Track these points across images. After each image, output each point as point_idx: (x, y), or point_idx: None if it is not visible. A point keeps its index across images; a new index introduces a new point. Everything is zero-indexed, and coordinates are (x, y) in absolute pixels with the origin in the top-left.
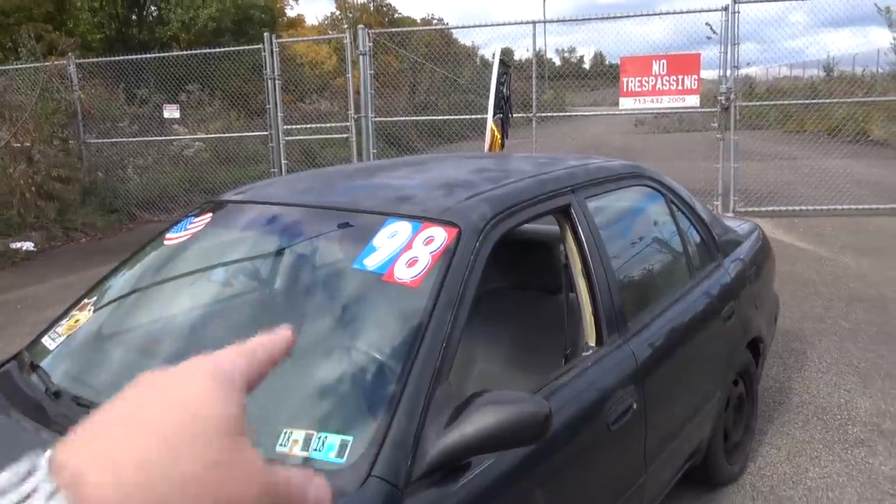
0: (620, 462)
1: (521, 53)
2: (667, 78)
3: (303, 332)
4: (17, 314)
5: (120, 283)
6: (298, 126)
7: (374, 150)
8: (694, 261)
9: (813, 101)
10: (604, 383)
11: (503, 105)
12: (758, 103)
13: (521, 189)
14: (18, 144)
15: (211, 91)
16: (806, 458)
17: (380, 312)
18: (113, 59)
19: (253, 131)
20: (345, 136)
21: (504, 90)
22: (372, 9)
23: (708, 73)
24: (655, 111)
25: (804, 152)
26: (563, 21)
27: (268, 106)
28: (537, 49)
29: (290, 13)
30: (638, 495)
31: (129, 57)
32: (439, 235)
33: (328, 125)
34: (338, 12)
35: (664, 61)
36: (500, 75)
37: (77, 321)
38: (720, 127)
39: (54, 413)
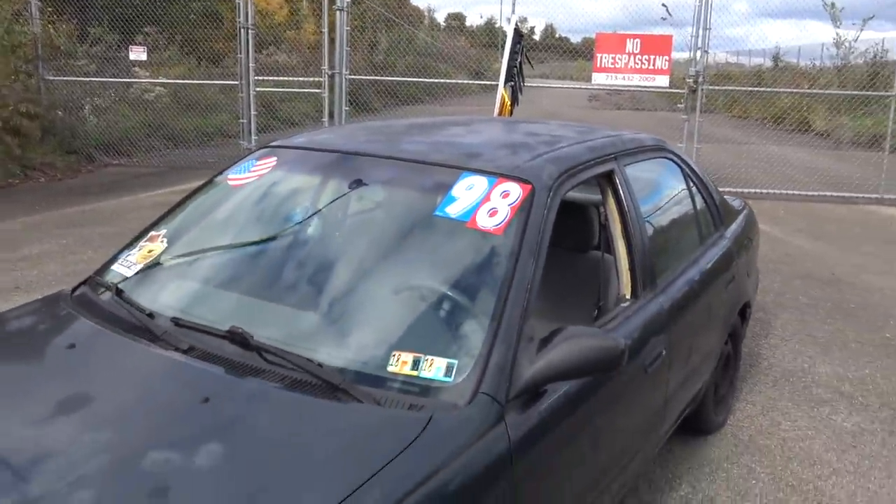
0: (651, 402)
1: (474, 20)
2: (639, 57)
3: (399, 270)
4: None
5: (190, 219)
6: (269, 78)
7: (347, 108)
8: (704, 229)
9: (784, 90)
10: (643, 330)
11: (515, 74)
12: (726, 87)
13: (576, 153)
14: None
15: (169, 35)
16: (778, 413)
17: (468, 254)
18: None
19: (212, 79)
20: (317, 90)
21: (518, 59)
22: None
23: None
24: (627, 88)
25: (752, 138)
26: None
27: (239, 55)
28: (490, 17)
29: None
30: (657, 433)
31: None
32: (514, 190)
33: (300, 79)
34: None
35: (638, 40)
36: (513, 44)
37: (150, 252)
38: (686, 108)
39: (158, 331)
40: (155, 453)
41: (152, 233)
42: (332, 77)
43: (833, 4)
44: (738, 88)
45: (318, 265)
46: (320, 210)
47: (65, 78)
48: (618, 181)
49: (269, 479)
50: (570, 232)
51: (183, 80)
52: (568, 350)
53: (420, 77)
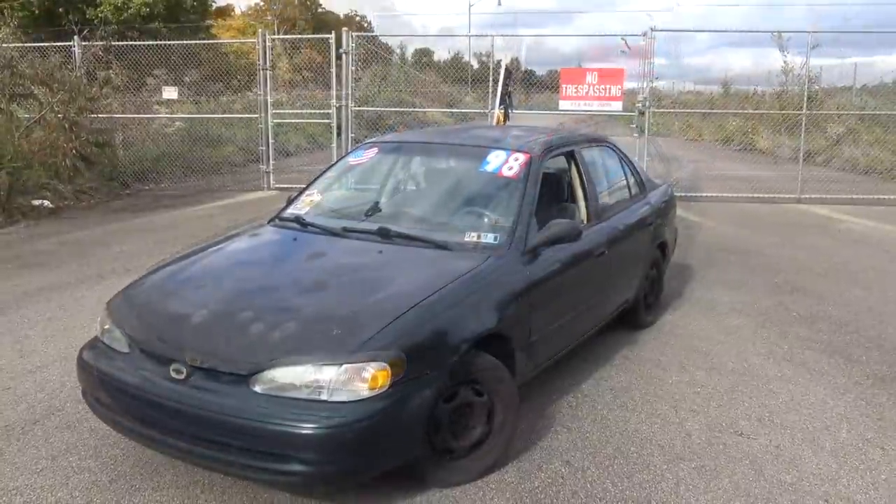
0: (599, 278)
1: (441, 55)
2: (597, 86)
3: (462, 198)
4: (91, 249)
5: (329, 183)
6: (283, 111)
7: (353, 135)
8: (632, 191)
9: (709, 111)
10: (593, 239)
11: (506, 100)
12: (668, 110)
13: (553, 140)
14: (54, 114)
15: (176, 77)
16: (690, 319)
17: (499, 189)
18: (131, 43)
19: (224, 114)
20: (327, 121)
21: (509, 88)
22: (297, 2)
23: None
24: (588, 112)
25: (700, 156)
26: (515, 36)
27: (258, 93)
28: (457, 52)
29: (220, 1)
30: (603, 306)
31: (150, 43)
32: (521, 157)
33: (311, 111)
34: (262, 3)
35: (595, 73)
36: (505, 77)
37: (312, 200)
38: (637, 128)
39: (338, 233)
40: (366, 269)
41: (307, 191)
42: (338, 109)
43: (780, 34)
44: (679, 111)
45: (416, 200)
46: (411, 172)
47: (104, 115)
48: (577, 157)
49: (413, 273)
50: (552, 191)
51: (200, 115)
52: (553, 229)
53: (399, 108)
